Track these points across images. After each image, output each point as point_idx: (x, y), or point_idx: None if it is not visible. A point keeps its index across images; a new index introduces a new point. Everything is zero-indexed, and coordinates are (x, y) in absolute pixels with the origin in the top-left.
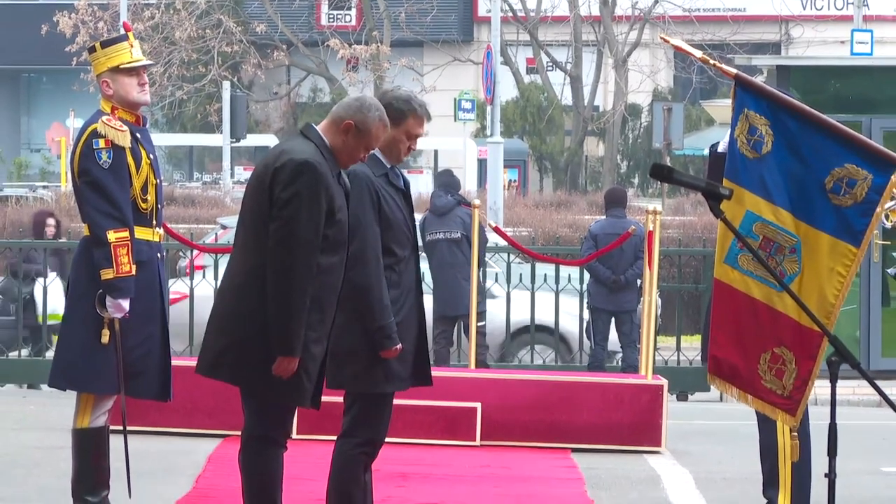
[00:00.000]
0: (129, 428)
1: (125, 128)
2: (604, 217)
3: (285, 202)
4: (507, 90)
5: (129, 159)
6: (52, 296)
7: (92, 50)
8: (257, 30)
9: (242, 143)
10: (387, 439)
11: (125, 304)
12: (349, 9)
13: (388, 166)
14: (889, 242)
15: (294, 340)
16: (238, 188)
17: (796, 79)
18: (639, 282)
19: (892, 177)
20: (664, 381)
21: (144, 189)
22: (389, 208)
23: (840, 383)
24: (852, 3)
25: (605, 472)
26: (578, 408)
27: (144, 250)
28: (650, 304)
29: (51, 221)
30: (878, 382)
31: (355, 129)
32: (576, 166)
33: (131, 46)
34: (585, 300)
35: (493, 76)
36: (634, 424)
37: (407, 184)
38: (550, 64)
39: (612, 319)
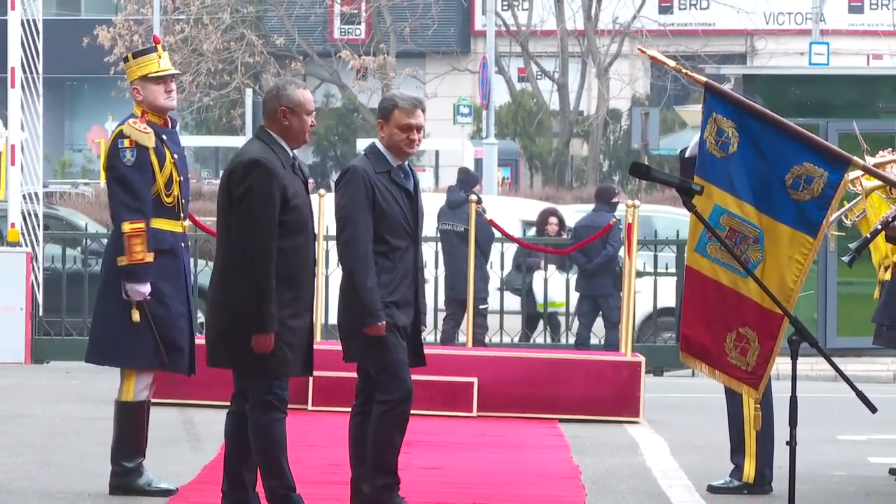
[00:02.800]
0: (160, 400)
1: (149, 130)
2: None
3: (240, 198)
4: (500, 96)
5: (153, 158)
6: None
7: (125, 60)
8: (276, 42)
9: None
10: None
11: (141, 287)
12: (359, 23)
13: (394, 164)
14: (843, 234)
15: (264, 318)
16: None
17: (760, 86)
18: (617, 269)
19: (846, 174)
20: (642, 359)
21: (168, 185)
22: (385, 202)
23: (800, 360)
24: (810, 19)
25: (589, 440)
26: (565, 383)
27: (169, 239)
28: (630, 289)
29: None
30: (834, 359)
31: (288, 109)
32: (563, 165)
33: (159, 57)
34: (573, 286)
35: (488, 84)
36: (615, 397)
37: (415, 182)
38: (540, 73)
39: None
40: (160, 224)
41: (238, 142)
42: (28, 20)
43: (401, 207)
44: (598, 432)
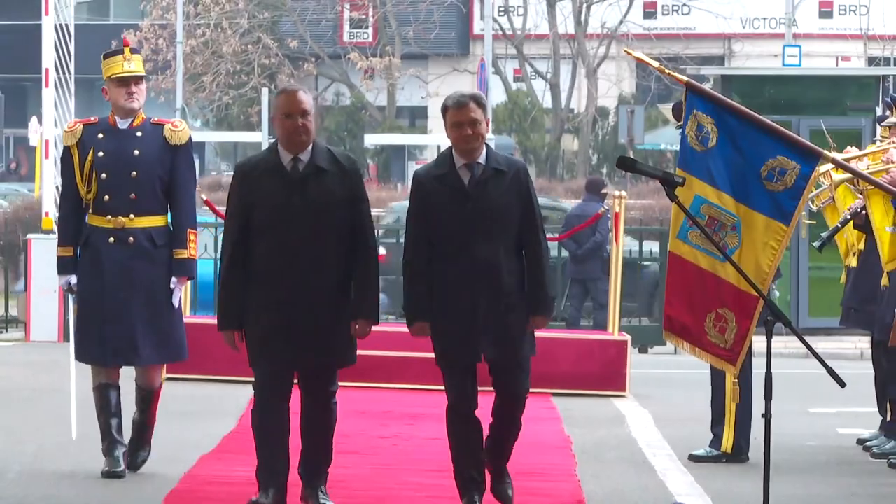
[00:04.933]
0: (184, 376)
1: (76, 128)
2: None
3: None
4: (497, 95)
5: (74, 155)
6: None
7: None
8: (290, 45)
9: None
10: (399, 385)
11: (60, 279)
12: (367, 28)
13: (459, 163)
14: (814, 222)
15: (219, 317)
16: None
17: (737, 86)
18: (605, 254)
19: (817, 167)
20: (628, 337)
21: (88, 182)
22: (433, 205)
23: (774, 339)
24: (784, 23)
25: (579, 412)
26: (557, 359)
27: (93, 234)
28: (616, 273)
29: None
30: (806, 338)
31: (272, 116)
32: (554, 159)
33: (125, 60)
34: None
35: (485, 83)
36: (603, 373)
37: (474, 181)
38: (533, 73)
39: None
40: (90, 218)
41: (255, 137)
42: (61, 24)
43: (450, 209)
44: (587, 405)
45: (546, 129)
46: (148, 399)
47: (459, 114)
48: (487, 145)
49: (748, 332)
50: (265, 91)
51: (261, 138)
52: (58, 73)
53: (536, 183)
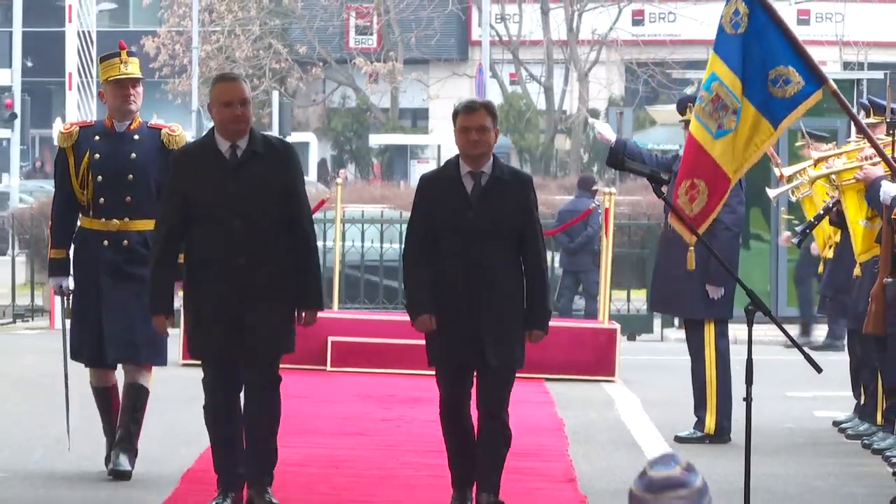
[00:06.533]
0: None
1: (72, 130)
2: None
3: None
4: (494, 98)
5: (69, 157)
6: None
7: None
8: (299, 51)
9: (287, 139)
10: (402, 371)
11: (51, 282)
12: (371, 34)
13: (465, 170)
14: (792, 217)
15: (150, 302)
16: None
17: None
18: (596, 247)
19: (818, 91)
20: (617, 326)
21: (83, 184)
22: (435, 207)
23: (755, 327)
24: None
25: (571, 396)
26: (550, 346)
27: (84, 236)
28: (607, 264)
29: None
30: (784, 326)
31: (210, 104)
32: (548, 157)
33: (121, 63)
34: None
35: (483, 87)
36: (594, 359)
37: (478, 190)
38: (528, 77)
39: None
40: (82, 221)
41: None
42: (83, 31)
43: (453, 210)
44: (579, 390)
45: (540, 129)
46: (137, 399)
47: (469, 119)
48: (495, 156)
49: (712, 212)
50: (276, 94)
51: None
52: (80, 76)
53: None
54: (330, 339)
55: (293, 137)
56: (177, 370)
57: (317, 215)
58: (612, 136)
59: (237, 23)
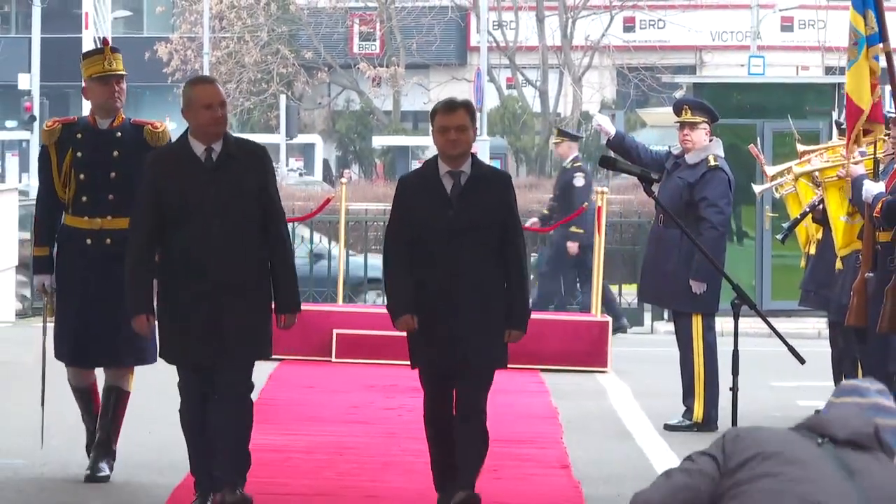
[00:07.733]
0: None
1: (55, 127)
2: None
3: None
4: (491, 101)
5: (52, 154)
6: None
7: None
8: (306, 56)
9: (294, 140)
10: (404, 362)
11: (35, 279)
12: (374, 40)
13: (444, 170)
14: (777, 214)
15: (130, 304)
16: (291, 175)
17: (707, 92)
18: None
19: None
20: (609, 318)
21: (66, 182)
22: (415, 207)
23: (741, 320)
24: (749, 36)
25: (565, 386)
26: (546, 338)
27: (68, 234)
28: (599, 260)
29: None
30: (769, 319)
31: (186, 108)
32: (543, 158)
33: (105, 59)
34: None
35: (481, 90)
36: (587, 351)
37: (457, 189)
38: (524, 81)
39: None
40: (66, 219)
41: (274, 139)
42: (99, 37)
43: (431, 211)
44: (572, 380)
45: (536, 131)
46: (117, 402)
47: (447, 118)
48: (474, 155)
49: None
50: (283, 97)
51: (279, 140)
52: None
53: (527, 180)
54: (335, 331)
55: (300, 139)
56: None
57: (321, 214)
58: (611, 129)
59: (246, 29)
